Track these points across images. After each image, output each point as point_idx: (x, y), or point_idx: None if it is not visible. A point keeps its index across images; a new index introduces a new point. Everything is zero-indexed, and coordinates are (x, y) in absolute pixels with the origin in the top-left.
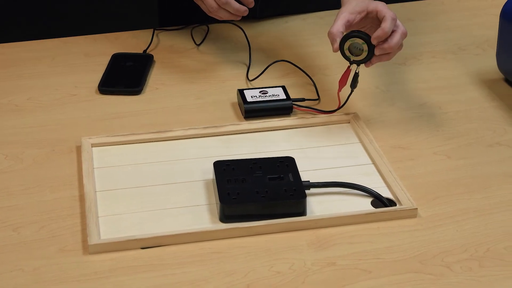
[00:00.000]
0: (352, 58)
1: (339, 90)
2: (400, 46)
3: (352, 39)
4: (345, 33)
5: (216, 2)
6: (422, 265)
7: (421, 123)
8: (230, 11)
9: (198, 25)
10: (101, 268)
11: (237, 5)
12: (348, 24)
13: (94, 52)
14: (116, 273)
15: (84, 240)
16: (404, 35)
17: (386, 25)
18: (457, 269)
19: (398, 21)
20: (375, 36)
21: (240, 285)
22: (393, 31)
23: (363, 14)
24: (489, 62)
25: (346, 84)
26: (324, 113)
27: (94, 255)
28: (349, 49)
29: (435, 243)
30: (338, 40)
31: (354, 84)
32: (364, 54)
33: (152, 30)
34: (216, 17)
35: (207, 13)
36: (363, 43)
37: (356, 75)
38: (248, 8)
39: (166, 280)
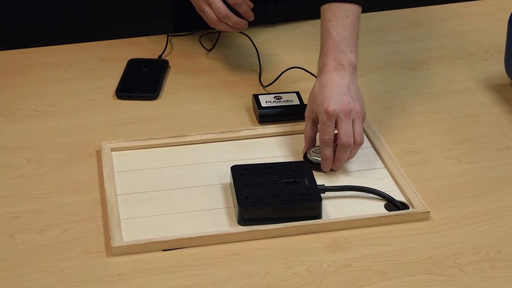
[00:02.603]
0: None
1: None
2: (358, 142)
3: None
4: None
5: (216, 15)
6: (435, 266)
7: (432, 127)
8: (230, 24)
9: (210, 32)
10: (125, 270)
11: (236, 18)
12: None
13: (110, 58)
14: (139, 274)
15: (107, 242)
16: (349, 147)
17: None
18: (469, 270)
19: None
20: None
21: (259, 286)
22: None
23: None
24: (497, 67)
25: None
26: None
27: (117, 257)
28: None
29: (448, 245)
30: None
31: None
32: None
33: (166, 35)
34: (216, 28)
35: (208, 24)
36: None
37: None
38: (248, 21)
39: (188, 281)
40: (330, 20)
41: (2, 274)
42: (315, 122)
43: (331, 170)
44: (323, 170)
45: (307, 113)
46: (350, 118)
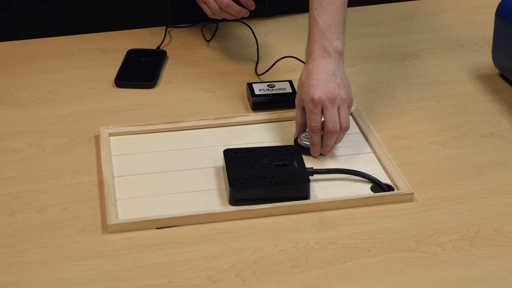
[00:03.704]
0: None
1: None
2: (344, 128)
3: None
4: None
5: (218, 4)
6: (417, 244)
7: (420, 115)
8: (232, 13)
9: (209, 23)
10: (120, 246)
11: (238, 7)
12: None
13: (110, 48)
14: (133, 250)
15: (103, 221)
16: (335, 133)
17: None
18: (449, 248)
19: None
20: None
21: (248, 262)
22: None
23: None
24: (485, 58)
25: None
26: None
27: (112, 234)
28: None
29: (430, 225)
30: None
31: None
32: None
33: (165, 27)
34: (218, 18)
35: (208, 15)
36: None
37: None
38: (249, 10)
39: (180, 257)
40: (316, 8)
41: (3, 249)
42: (304, 109)
43: (321, 154)
44: (312, 155)
45: (296, 100)
46: (336, 105)
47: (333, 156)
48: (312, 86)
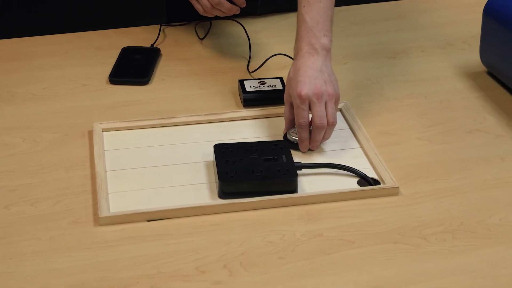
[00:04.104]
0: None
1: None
2: (331, 123)
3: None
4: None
5: (209, 2)
6: (401, 236)
7: (407, 111)
8: (223, 10)
9: (202, 21)
10: (111, 238)
11: (229, 5)
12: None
13: (105, 46)
14: (124, 241)
15: (95, 213)
16: (322, 128)
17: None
18: (432, 240)
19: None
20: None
21: (236, 253)
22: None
23: None
24: (474, 56)
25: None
26: None
27: (104, 226)
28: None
29: (414, 218)
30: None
31: None
32: None
33: (159, 26)
34: (209, 15)
35: (200, 13)
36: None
37: None
38: (240, 7)
39: (170, 248)
40: (304, 6)
41: None
42: (292, 105)
43: (310, 150)
44: (301, 150)
45: (285, 96)
46: (323, 101)
47: (321, 151)
48: (299, 82)
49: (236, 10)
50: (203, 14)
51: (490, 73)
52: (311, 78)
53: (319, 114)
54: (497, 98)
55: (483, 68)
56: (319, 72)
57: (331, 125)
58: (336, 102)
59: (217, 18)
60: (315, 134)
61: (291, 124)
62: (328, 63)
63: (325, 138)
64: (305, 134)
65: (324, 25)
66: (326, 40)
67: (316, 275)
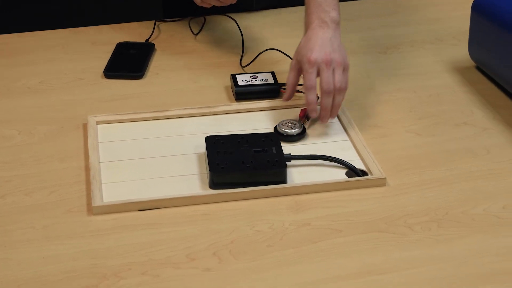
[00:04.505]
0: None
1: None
2: (338, 88)
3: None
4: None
5: None
6: (387, 225)
7: (396, 105)
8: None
9: (196, 17)
10: (104, 226)
11: None
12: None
13: (100, 41)
14: (117, 230)
15: (89, 203)
16: (329, 93)
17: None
18: (418, 229)
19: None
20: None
21: (225, 241)
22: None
23: None
24: (463, 51)
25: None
26: None
27: (97, 215)
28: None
29: (400, 208)
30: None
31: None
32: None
33: (153, 21)
34: (206, 6)
35: (197, 3)
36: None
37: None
38: None
39: (161, 236)
40: None
41: None
42: (298, 72)
43: (320, 122)
44: (310, 115)
45: (292, 64)
46: (331, 67)
47: (311, 143)
48: (309, 49)
49: (232, 0)
50: (200, 5)
51: (478, 68)
52: (321, 46)
53: (326, 79)
54: (484, 92)
55: (471, 63)
56: (329, 42)
57: (338, 90)
58: (345, 70)
59: (213, 11)
60: (323, 99)
61: (293, 89)
62: (338, 35)
63: (335, 106)
64: (313, 97)
65: (331, 0)
66: (335, 14)
67: (303, 262)
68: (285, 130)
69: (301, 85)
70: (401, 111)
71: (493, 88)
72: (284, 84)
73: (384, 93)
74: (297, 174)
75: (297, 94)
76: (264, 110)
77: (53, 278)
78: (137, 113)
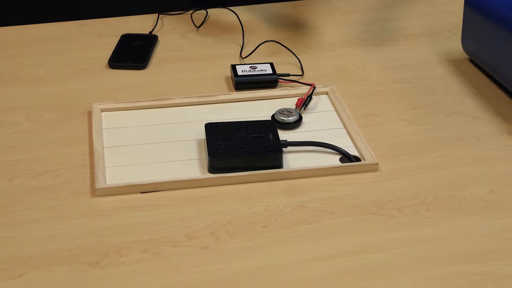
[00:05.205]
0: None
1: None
2: None
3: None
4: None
5: None
6: (377, 208)
7: (390, 95)
8: None
9: (198, 9)
10: (106, 207)
11: None
12: None
13: (105, 33)
14: (119, 211)
15: (93, 185)
16: None
17: None
18: (407, 212)
19: None
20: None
21: (222, 222)
22: None
23: None
24: (457, 44)
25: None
26: (305, 85)
27: (100, 197)
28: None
29: (391, 192)
30: None
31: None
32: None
33: (157, 14)
34: None
35: None
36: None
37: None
38: None
39: (161, 217)
40: None
41: (0, 209)
42: None
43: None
44: None
45: None
46: None
47: (307, 131)
48: None
49: None
50: None
51: (471, 60)
52: None
53: None
54: (476, 83)
55: (465, 55)
56: None
57: None
58: None
59: (213, 5)
60: None
61: None
62: None
63: None
64: None
65: None
66: None
67: (297, 242)
68: (282, 118)
69: (298, 75)
70: (395, 101)
71: (484, 80)
72: (283, 75)
73: (379, 83)
74: (292, 160)
75: (293, 84)
76: (262, 99)
77: (58, 254)
78: (140, 101)
